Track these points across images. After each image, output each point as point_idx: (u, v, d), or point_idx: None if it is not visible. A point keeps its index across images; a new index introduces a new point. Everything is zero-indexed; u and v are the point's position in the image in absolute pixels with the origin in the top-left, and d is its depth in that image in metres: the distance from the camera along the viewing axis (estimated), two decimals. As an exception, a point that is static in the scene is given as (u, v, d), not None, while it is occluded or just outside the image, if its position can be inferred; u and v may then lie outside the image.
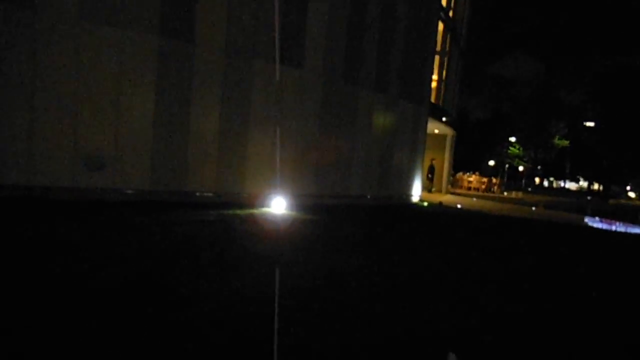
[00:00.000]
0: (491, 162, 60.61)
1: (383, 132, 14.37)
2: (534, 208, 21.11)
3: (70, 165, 8.81)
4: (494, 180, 29.72)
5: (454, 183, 32.00)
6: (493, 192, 29.05)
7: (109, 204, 8.73)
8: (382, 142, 14.38)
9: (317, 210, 11.04)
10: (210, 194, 10.46)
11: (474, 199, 22.34)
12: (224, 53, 10.33)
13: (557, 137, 55.79)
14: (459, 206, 16.51)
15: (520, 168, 57.26)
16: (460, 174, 32.53)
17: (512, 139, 57.46)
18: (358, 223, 10.06)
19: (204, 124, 10.27)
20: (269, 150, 11.17)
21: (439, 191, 23.50)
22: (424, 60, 16.10)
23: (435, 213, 13.77)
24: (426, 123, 16.92)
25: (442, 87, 20.30)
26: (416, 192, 16.65)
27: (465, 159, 59.40)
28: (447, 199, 19.87)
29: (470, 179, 29.83)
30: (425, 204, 16.22)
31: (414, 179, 16.37)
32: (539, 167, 62.35)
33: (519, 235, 10.62)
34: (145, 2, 9.29)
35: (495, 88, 62.31)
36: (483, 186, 28.62)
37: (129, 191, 9.47)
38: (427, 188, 22.56)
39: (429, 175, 22.47)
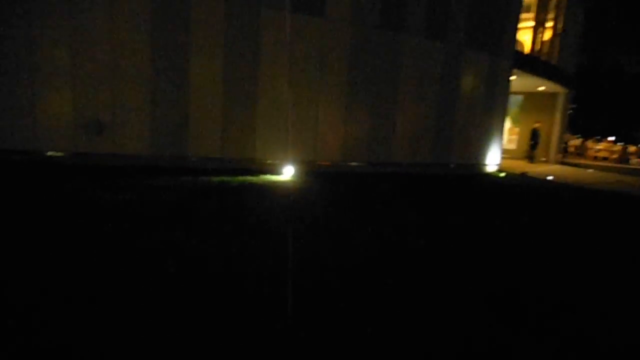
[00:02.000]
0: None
1: (441, 89, 12.09)
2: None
3: (70, 130, 8.82)
4: (631, 148, 24.06)
5: (580, 152, 26.98)
6: (629, 163, 23.63)
7: (106, 168, 8.58)
8: (440, 100, 12.13)
9: (335, 179, 9.67)
10: (215, 160, 9.75)
11: (590, 171, 18.28)
12: (226, 1, 9.34)
13: None
14: (549, 178, 13.41)
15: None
16: (590, 141, 27.21)
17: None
18: (365, 195, 8.45)
19: (205, 83, 9.49)
20: (283, 112, 10.03)
21: (546, 161, 19.79)
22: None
23: (498, 186, 11.26)
24: (508, 78, 13.94)
25: (540, 34, 16.53)
26: (493, 160, 13.97)
27: (616, 123, 50.53)
28: (548, 169, 16.48)
29: (599, 146, 24.70)
30: (502, 174, 13.52)
31: (489, 145, 13.71)
32: None
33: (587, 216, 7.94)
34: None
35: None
36: (614, 156, 23.49)
37: (127, 156, 9.24)
38: (528, 157, 19.24)
39: (531, 142, 19.01)
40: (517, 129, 20.80)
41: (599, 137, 28.90)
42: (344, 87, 10.62)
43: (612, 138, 30.79)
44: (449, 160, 12.69)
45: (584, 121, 56.08)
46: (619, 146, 23.45)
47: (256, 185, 8.04)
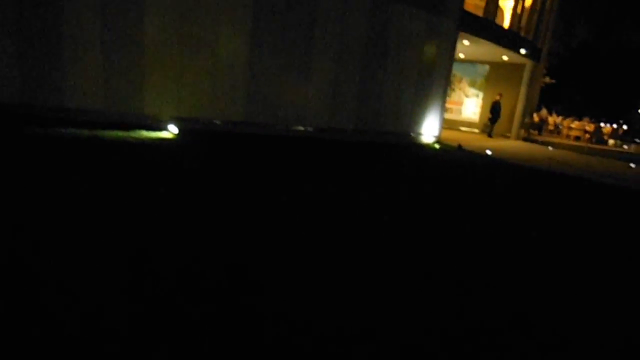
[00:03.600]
0: (644, 110, 48.99)
1: (366, 48, 11.02)
2: (632, 165, 15.52)
3: None
4: (606, 129, 22.91)
5: (559, 131, 25.92)
6: (607, 144, 22.63)
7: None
8: (365, 60, 11.09)
9: (221, 140, 8.86)
10: (98, 112, 8.86)
11: (550, 149, 17.34)
12: None
13: None
14: (488, 152, 12.49)
15: None
16: (567, 120, 26.07)
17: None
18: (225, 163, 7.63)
19: (80, 26, 8.50)
20: (175, 62, 9.09)
21: (509, 137, 18.83)
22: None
23: (410, 158, 10.40)
24: (453, 41, 12.84)
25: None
26: (430, 130, 13.04)
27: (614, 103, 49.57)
28: (498, 145, 15.55)
29: (572, 125, 23.62)
30: (437, 146, 12.63)
31: (426, 114, 12.75)
32: None
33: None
34: None
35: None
36: (587, 136, 22.45)
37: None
38: (486, 131, 18.29)
39: (490, 116, 18.00)
40: (481, 101, 19.73)
41: (563, 115, 27.78)
42: (247, 37, 9.59)
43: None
44: (375, 127, 11.77)
45: (586, 101, 54.74)
46: (592, 125, 22.34)
47: (103, 141, 7.20)
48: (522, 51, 16.03)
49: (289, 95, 10.30)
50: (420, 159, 10.23)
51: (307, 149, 9.32)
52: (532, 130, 22.14)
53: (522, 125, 18.89)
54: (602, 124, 24.63)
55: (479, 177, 8.65)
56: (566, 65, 52.86)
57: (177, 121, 9.11)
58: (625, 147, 23.85)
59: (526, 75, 18.15)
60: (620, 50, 50.25)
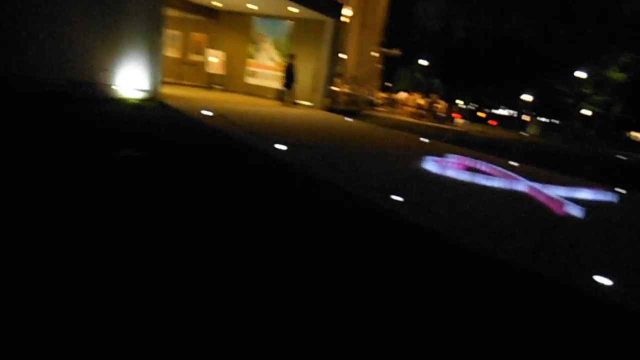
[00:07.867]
0: (528, 97, 49.74)
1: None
2: (425, 139, 13.72)
3: None
4: (439, 105, 21.17)
5: (396, 105, 24.08)
6: (453, 123, 21.19)
7: None
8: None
9: None
10: None
11: (347, 119, 15.30)
12: None
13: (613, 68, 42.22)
14: (204, 112, 9.93)
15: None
16: (406, 95, 24.22)
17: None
18: None
19: None
20: None
21: (312, 105, 16.58)
22: None
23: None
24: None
25: None
26: (135, 84, 10.28)
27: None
28: (263, 111, 13.19)
29: (407, 101, 21.94)
30: (135, 101, 9.90)
31: (118, 64, 9.97)
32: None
33: None
34: None
35: None
36: (422, 111, 20.84)
37: None
38: (279, 97, 15.94)
39: (285, 81, 15.60)
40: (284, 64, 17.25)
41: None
42: None
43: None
44: (25, 73, 8.80)
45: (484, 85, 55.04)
46: (424, 101, 20.70)
47: None
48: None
49: None
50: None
51: None
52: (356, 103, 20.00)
53: (328, 93, 16.70)
54: (449, 102, 23.13)
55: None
56: (467, 50, 52.66)
57: None
58: (462, 122, 22.72)
59: (327, 35, 15.88)
60: (512, 38, 50.61)
